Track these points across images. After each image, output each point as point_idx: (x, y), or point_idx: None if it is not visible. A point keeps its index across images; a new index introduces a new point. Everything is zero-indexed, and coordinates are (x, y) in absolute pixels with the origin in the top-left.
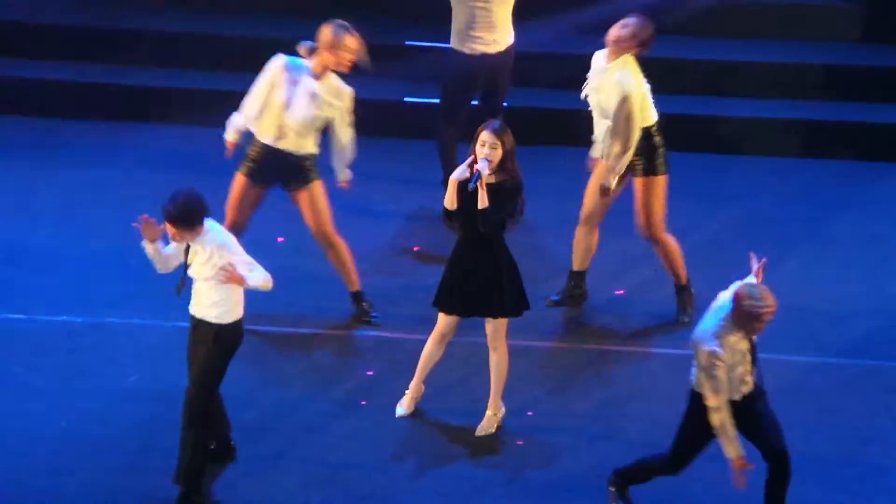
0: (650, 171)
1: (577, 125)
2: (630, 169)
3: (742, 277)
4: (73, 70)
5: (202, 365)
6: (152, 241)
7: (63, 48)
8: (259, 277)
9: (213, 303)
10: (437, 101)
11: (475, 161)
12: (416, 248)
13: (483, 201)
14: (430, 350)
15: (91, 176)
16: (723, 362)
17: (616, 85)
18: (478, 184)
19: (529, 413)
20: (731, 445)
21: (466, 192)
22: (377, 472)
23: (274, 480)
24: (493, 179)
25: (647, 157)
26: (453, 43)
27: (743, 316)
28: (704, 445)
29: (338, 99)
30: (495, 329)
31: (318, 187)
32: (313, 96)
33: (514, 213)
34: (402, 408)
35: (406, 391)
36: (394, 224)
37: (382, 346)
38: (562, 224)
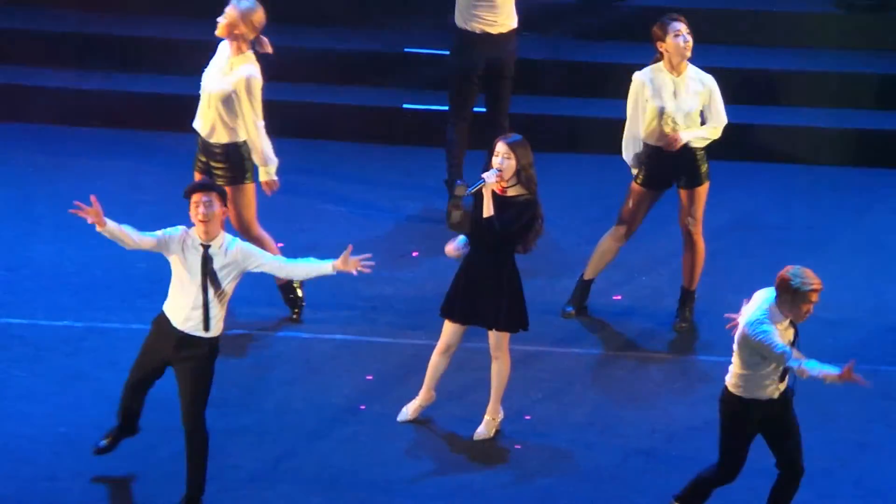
0: (695, 182)
1: (578, 132)
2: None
3: (739, 283)
4: (73, 77)
5: (200, 377)
6: (101, 224)
7: (64, 55)
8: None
9: (215, 317)
10: (435, 107)
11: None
12: (414, 254)
13: (488, 210)
14: (436, 361)
15: (92, 181)
16: (775, 330)
17: (706, 88)
18: (483, 191)
19: (527, 417)
20: (827, 373)
21: (478, 202)
22: (376, 476)
23: (273, 486)
24: (498, 190)
25: (687, 169)
26: (456, 20)
27: (790, 296)
28: (748, 445)
29: (232, 75)
30: (498, 340)
31: (246, 189)
32: (221, 70)
33: (531, 230)
34: (406, 413)
35: (415, 397)
36: (392, 229)
37: (382, 350)
38: (560, 230)
